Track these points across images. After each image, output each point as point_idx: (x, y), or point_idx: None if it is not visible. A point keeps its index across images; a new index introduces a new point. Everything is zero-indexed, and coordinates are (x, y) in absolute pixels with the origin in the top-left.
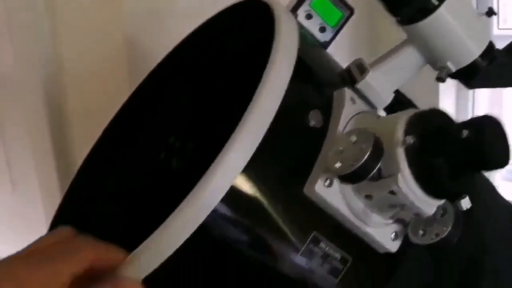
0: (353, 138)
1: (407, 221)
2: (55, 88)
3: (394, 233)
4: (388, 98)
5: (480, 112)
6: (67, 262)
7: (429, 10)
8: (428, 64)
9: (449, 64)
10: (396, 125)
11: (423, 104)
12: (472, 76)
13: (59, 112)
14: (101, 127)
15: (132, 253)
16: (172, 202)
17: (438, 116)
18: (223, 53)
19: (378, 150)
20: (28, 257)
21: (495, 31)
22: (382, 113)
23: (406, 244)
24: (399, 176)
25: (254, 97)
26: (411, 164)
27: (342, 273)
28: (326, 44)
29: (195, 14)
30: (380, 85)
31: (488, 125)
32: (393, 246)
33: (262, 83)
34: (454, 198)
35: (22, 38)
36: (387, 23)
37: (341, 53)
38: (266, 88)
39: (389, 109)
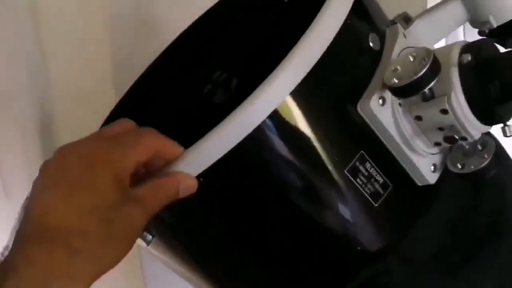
0: (411, 57)
1: (456, 138)
2: (45, 98)
3: (433, 165)
4: None
5: None
6: (134, 148)
7: None
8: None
9: (491, 18)
10: (452, 48)
11: None
12: (510, 34)
13: (49, 122)
14: (89, 132)
15: (187, 149)
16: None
17: (490, 44)
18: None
19: (436, 64)
20: (96, 140)
21: None
22: None
23: (444, 179)
24: (452, 94)
25: (321, 10)
26: (464, 83)
27: (382, 198)
28: None
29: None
30: (424, 36)
31: None
32: (432, 177)
33: (327, 2)
34: (500, 121)
35: (10, 52)
36: None
37: None
38: (330, 5)
39: None
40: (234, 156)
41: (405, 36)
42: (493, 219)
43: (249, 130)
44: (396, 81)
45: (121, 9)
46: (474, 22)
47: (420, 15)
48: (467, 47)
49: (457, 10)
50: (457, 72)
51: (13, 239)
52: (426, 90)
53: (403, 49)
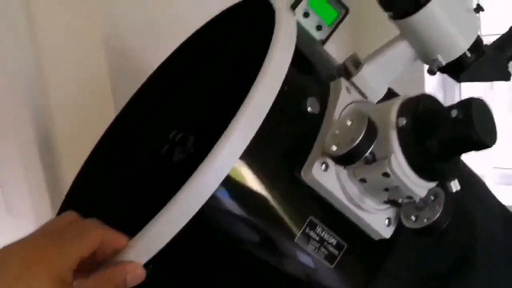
0: (349, 122)
1: (400, 202)
2: (43, 112)
3: (387, 219)
4: (382, 91)
5: None
6: (76, 245)
7: (420, 4)
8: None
9: (439, 57)
10: (390, 109)
11: None
12: (461, 69)
13: (48, 135)
14: (88, 146)
15: (134, 238)
16: (173, 194)
17: (428, 100)
18: (225, 51)
19: (372, 130)
20: (36, 239)
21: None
22: None
23: (400, 231)
24: (392, 157)
25: (254, 83)
26: (403, 146)
27: (338, 258)
28: (322, 42)
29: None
30: (374, 79)
31: (475, 105)
32: (387, 232)
33: (263, 70)
34: (444, 179)
35: (8, 64)
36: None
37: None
38: (266, 74)
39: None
40: (179, 240)
41: (348, 91)
42: (460, 257)
43: (189, 215)
44: (335, 148)
45: (118, 23)
46: (424, 60)
47: (368, 58)
48: (404, 108)
49: (405, 50)
50: (395, 135)
51: None
52: (367, 154)
53: (347, 105)
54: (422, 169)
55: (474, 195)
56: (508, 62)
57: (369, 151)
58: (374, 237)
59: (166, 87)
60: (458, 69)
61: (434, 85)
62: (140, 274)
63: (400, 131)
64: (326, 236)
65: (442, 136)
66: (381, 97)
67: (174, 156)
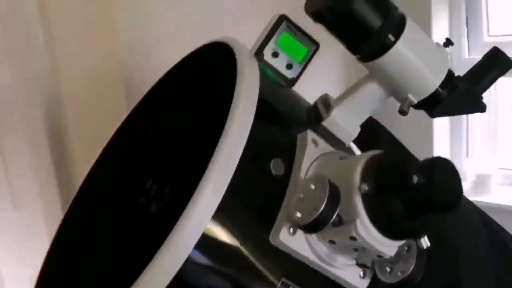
0: (312, 186)
1: (368, 265)
2: (54, 107)
3: (362, 272)
4: (355, 132)
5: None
6: None
7: (387, 46)
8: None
9: (410, 96)
10: (353, 172)
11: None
12: (434, 105)
13: (58, 131)
14: (100, 143)
15: None
16: (153, 244)
17: (391, 160)
18: (193, 95)
19: (335, 199)
20: None
21: (485, 39)
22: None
23: (376, 281)
24: (358, 222)
25: (216, 149)
26: (368, 210)
27: None
28: (294, 80)
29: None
30: (345, 121)
31: (437, 168)
32: (362, 284)
33: (224, 136)
34: (411, 238)
35: (20, 59)
36: None
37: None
38: (227, 141)
39: (360, 138)
40: None
41: (315, 144)
42: None
43: (168, 279)
44: (299, 215)
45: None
46: (395, 98)
47: (338, 100)
48: (366, 172)
49: (375, 91)
50: (360, 200)
51: None
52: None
53: (314, 160)
54: (388, 231)
55: (455, 226)
56: (481, 93)
57: (332, 218)
58: None
59: (136, 137)
60: (431, 105)
61: None
62: None
63: (364, 196)
64: None
65: (405, 201)
66: (355, 136)
67: (152, 207)
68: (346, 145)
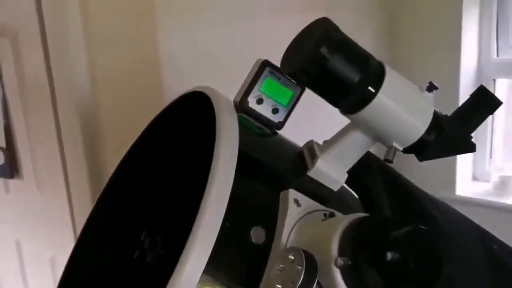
0: (291, 256)
1: None
2: (88, 91)
3: None
4: (342, 178)
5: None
6: None
7: (368, 98)
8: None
9: (395, 144)
10: (331, 243)
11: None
12: (422, 150)
13: (91, 115)
14: (132, 130)
15: None
16: None
17: (366, 234)
18: (177, 145)
19: (311, 273)
20: None
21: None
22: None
23: None
24: None
25: (196, 221)
26: (347, 282)
27: None
28: (281, 124)
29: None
30: (331, 169)
31: (411, 243)
32: None
33: (202, 208)
34: None
35: (55, 45)
36: None
37: None
38: (205, 214)
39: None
40: None
41: (297, 203)
42: None
43: None
44: (279, 287)
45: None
46: (382, 144)
47: (323, 149)
48: (343, 244)
49: (359, 139)
50: (339, 273)
51: None
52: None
53: (296, 222)
54: None
55: (454, 257)
56: (470, 133)
57: None
58: None
59: (127, 188)
60: (418, 150)
61: (469, 80)
62: None
63: (342, 269)
64: None
65: (382, 276)
66: (343, 182)
67: (148, 258)
68: (335, 190)
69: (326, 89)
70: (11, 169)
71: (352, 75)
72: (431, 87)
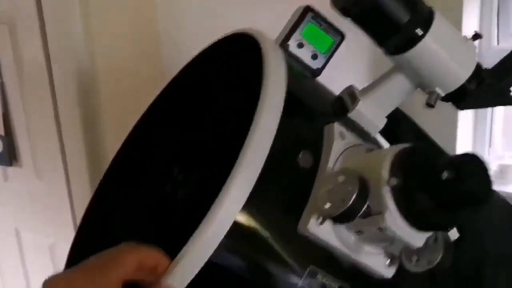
0: (341, 178)
1: (396, 255)
2: (86, 80)
3: (388, 260)
4: (381, 123)
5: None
6: (115, 271)
7: (415, 40)
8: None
9: (437, 89)
10: (382, 165)
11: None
12: (461, 98)
13: (89, 102)
14: (130, 122)
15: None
16: (178, 231)
17: (420, 155)
18: (218, 85)
19: (364, 192)
20: (77, 272)
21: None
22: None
23: (402, 269)
24: (386, 214)
25: (244, 145)
26: (397, 203)
27: None
28: (319, 71)
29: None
30: (371, 113)
31: (467, 166)
32: (388, 272)
33: (251, 131)
34: (440, 230)
35: (54, 33)
36: None
37: None
38: (254, 137)
39: (386, 129)
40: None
41: (342, 136)
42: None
43: (198, 267)
44: (328, 206)
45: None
46: (423, 90)
47: (364, 92)
48: (396, 166)
49: (401, 83)
50: (389, 193)
51: None
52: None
53: (341, 152)
54: (417, 223)
55: (483, 215)
56: (509, 87)
57: (362, 211)
58: (376, 277)
59: (164, 123)
60: (458, 98)
61: None
62: None
63: (393, 189)
64: (327, 282)
65: (434, 196)
66: (381, 127)
67: (178, 194)
68: (372, 136)
69: (374, 26)
70: (10, 157)
71: (402, 14)
72: (475, 36)
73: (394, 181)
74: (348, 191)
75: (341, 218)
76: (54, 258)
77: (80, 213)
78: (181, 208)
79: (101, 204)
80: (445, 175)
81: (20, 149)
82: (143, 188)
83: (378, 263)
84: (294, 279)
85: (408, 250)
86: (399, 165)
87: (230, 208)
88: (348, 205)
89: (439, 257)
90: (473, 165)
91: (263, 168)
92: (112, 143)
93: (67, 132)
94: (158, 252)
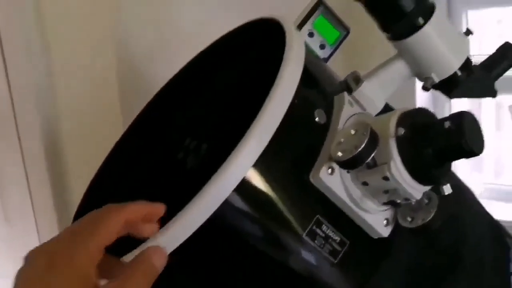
0: (352, 131)
1: (398, 202)
2: (50, 118)
3: (386, 220)
4: (380, 105)
5: None
6: (94, 236)
7: (416, 27)
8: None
9: (433, 75)
10: (389, 119)
11: None
12: (452, 87)
13: (54, 142)
14: (96, 156)
15: (164, 227)
16: (188, 198)
17: (424, 113)
18: (236, 65)
19: (374, 138)
20: (61, 236)
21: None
22: None
23: (396, 232)
24: (391, 163)
25: (269, 95)
26: (401, 153)
27: (340, 254)
28: (325, 60)
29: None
30: (373, 94)
31: (466, 117)
32: (385, 231)
33: (276, 84)
34: (437, 183)
35: (16, 70)
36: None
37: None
38: (279, 88)
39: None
40: (195, 239)
41: (351, 104)
42: (450, 259)
43: (205, 217)
44: (340, 154)
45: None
46: (419, 77)
47: (368, 75)
48: (402, 119)
49: (401, 69)
50: (394, 144)
51: None
52: (369, 159)
53: (350, 116)
54: (418, 174)
55: (463, 202)
56: (494, 80)
57: (371, 157)
58: (373, 236)
59: (181, 96)
60: (449, 87)
61: (425, 101)
62: (164, 255)
63: (399, 139)
64: (330, 234)
65: (436, 145)
66: (380, 109)
67: (188, 163)
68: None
69: (382, 11)
70: None
71: (409, 3)
72: (467, 32)
73: (401, 131)
74: (360, 138)
75: (352, 162)
76: None
77: None
78: (192, 176)
79: (110, 167)
80: (447, 124)
81: None
82: (153, 157)
83: (377, 222)
84: (301, 228)
85: (404, 210)
86: (406, 119)
87: (251, 151)
88: (358, 151)
89: (431, 216)
90: (470, 120)
91: (282, 120)
92: (78, 184)
93: (32, 173)
94: (147, 202)
